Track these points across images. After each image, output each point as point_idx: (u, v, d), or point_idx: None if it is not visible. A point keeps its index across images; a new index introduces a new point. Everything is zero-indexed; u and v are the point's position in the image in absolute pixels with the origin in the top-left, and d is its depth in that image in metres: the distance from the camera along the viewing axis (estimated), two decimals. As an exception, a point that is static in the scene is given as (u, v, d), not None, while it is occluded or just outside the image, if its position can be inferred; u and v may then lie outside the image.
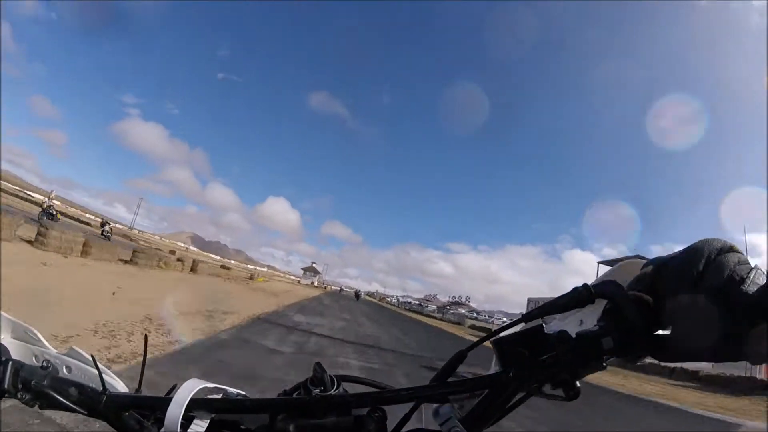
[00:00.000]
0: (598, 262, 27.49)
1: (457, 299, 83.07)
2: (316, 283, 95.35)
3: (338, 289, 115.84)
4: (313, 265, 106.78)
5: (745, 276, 0.38)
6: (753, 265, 0.39)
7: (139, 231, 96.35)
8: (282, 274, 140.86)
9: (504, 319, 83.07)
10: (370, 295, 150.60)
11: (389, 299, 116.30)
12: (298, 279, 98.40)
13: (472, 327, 49.55)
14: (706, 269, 0.39)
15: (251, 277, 33.48)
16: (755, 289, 0.37)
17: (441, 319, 53.82)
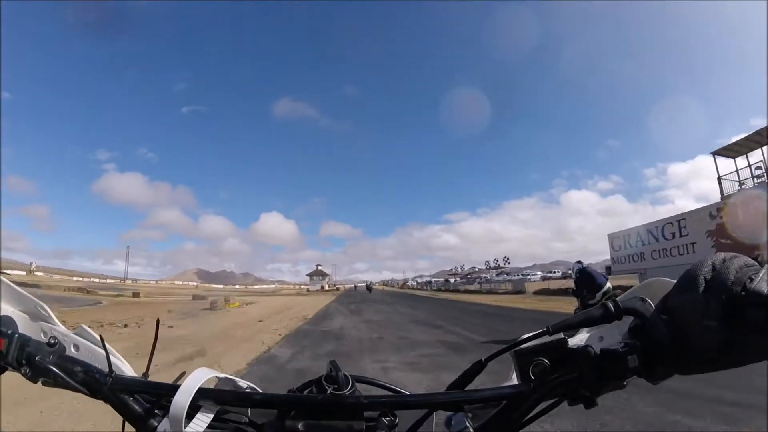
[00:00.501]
0: (713, 153, 18.71)
1: (495, 264, 68.70)
2: (326, 287, 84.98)
3: (352, 286, 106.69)
4: (319, 267, 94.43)
5: (752, 275, 0.38)
6: (762, 265, 0.39)
7: (133, 281, 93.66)
8: (293, 286, 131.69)
9: (539, 273, 73.70)
10: (386, 284, 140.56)
11: (409, 283, 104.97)
12: (307, 286, 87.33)
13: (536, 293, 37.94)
14: (709, 286, 0.40)
15: (214, 305, 21.33)
16: (765, 285, 0.37)
17: (489, 292, 42.00)
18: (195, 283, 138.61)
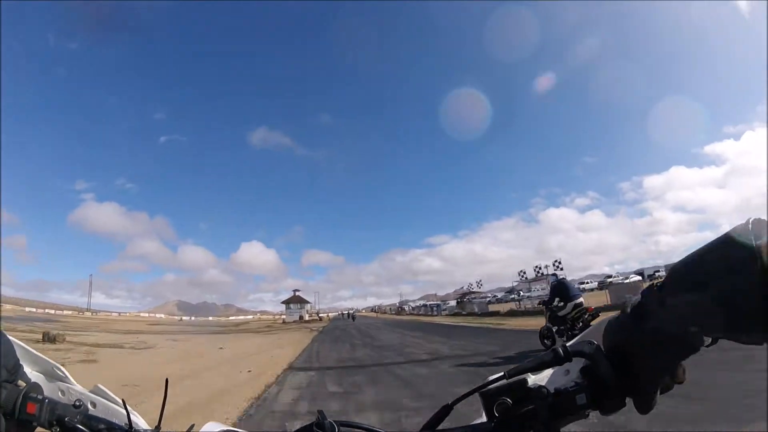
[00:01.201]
0: None
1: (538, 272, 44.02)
2: (306, 316, 66.80)
3: (339, 314, 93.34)
4: (297, 293, 74.57)
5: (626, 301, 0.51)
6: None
7: (93, 312, 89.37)
8: (272, 316, 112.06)
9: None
10: (377, 311, 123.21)
11: (404, 308, 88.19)
12: (282, 317, 69.12)
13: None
14: (620, 318, 0.48)
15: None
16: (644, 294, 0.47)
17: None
18: (162, 315, 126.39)
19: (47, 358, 0.64)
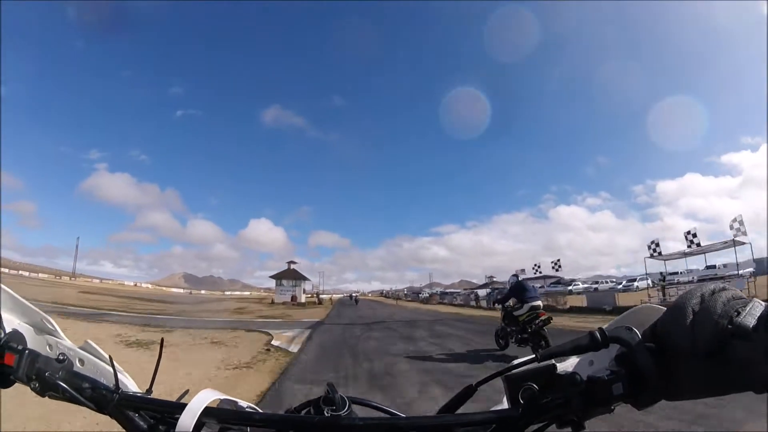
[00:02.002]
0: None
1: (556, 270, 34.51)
2: (302, 298, 47.34)
3: (347, 296, 78.57)
4: (292, 267, 52.61)
5: (740, 309, 0.39)
6: (750, 299, 0.40)
7: (72, 276, 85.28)
8: (260, 292, 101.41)
9: (580, 284, 47.20)
10: (387, 296, 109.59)
11: (422, 294, 72.28)
12: (272, 298, 48.51)
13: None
14: (696, 318, 0.40)
15: None
16: (752, 320, 0.37)
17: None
18: (148, 285, 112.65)
19: (37, 309, 0.58)
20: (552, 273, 35.59)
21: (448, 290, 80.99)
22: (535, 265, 37.31)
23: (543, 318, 7.65)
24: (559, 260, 33.73)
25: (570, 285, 42.74)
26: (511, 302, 8.30)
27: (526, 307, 7.84)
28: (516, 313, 7.98)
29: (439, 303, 47.05)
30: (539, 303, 7.97)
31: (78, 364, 0.57)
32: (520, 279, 8.69)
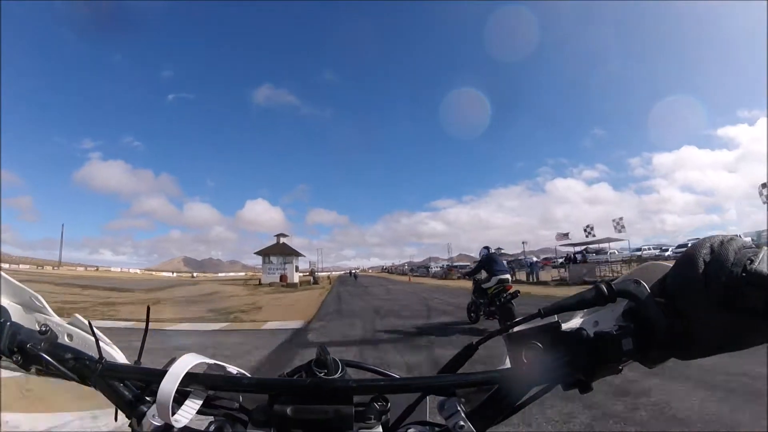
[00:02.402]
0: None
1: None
2: (294, 277, 38.74)
3: (347, 273, 74.01)
4: (282, 241, 43.40)
5: (752, 257, 0.37)
6: (761, 246, 0.38)
7: (54, 265, 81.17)
8: (247, 275, 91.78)
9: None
10: (390, 272, 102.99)
11: (433, 269, 64.18)
12: (258, 278, 41.01)
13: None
14: (708, 268, 0.38)
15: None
16: (766, 267, 0.35)
17: None
18: (137, 270, 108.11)
19: (24, 287, 0.58)
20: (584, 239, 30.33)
21: (455, 263, 73.76)
22: (587, 226, 30.90)
23: (510, 291, 7.64)
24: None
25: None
26: (481, 275, 8.38)
27: (494, 280, 7.89)
28: (484, 286, 8.03)
29: (460, 278, 39.16)
30: (507, 276, 8.05)
31: (66, 339, 0.56)
32: (491, 252, 8.70)
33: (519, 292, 7.82)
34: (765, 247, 0.38)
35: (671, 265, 0.42)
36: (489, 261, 8.34)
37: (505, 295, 7.59)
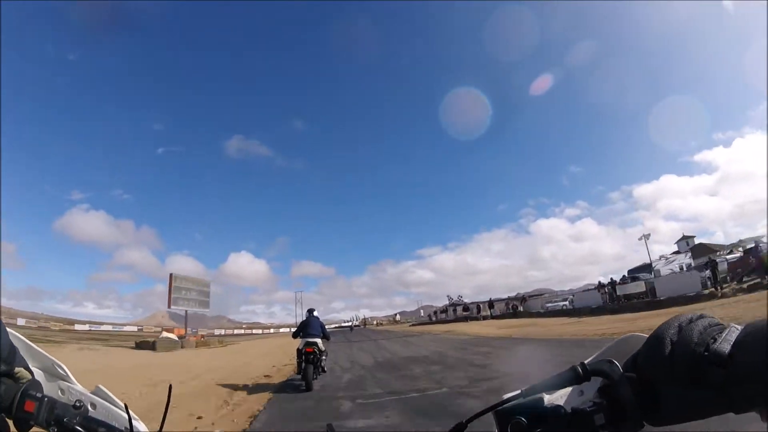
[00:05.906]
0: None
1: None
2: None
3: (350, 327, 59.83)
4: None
5: (716, 335, 0.41)
6: (726, 325, 0.42)
7: (36, 321, 66.62)
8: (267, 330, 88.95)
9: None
10: (380, 322, 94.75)
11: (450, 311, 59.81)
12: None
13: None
14: (675, 347, 0.42)
15: None
16: (727, 346, 0.39)
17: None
18: (137, 328, 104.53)
19: (48, 355, 0.62)
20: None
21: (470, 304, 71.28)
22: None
23: (308, 352, 7.89)
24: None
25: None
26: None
27: (302, 342, 8.16)
28: (298, 346, 8.33)
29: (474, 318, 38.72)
30: (315, 340, 8.14)
31: (90, 409, 0.60)
32: (314, 314, 8.85)
33: (317, 355, 7.95)
34: (731, 325, 0.41)
35: (645, 338, 0.47)
36: (302, 324, 8.50)
37: (310, 356, 7.77)
